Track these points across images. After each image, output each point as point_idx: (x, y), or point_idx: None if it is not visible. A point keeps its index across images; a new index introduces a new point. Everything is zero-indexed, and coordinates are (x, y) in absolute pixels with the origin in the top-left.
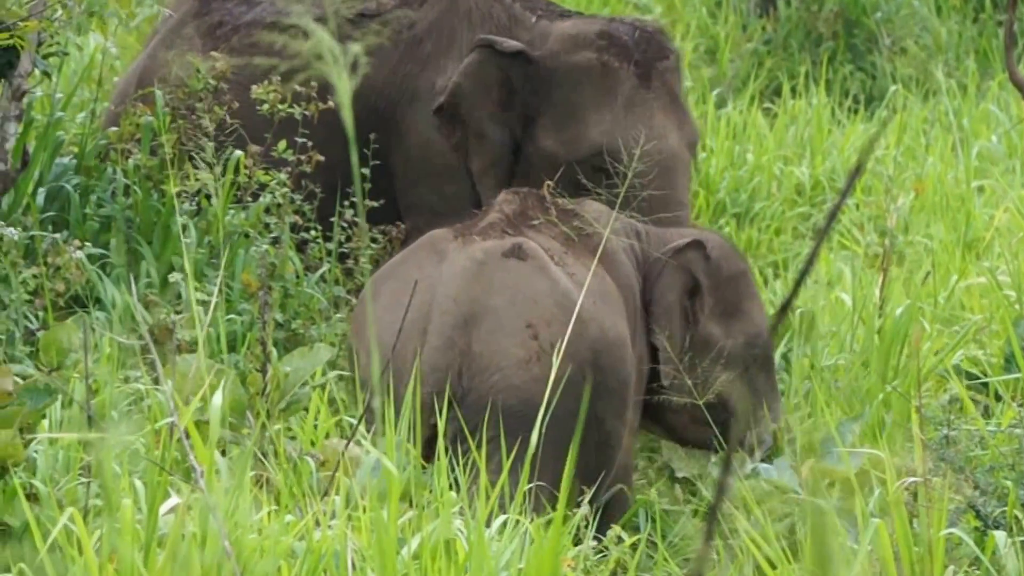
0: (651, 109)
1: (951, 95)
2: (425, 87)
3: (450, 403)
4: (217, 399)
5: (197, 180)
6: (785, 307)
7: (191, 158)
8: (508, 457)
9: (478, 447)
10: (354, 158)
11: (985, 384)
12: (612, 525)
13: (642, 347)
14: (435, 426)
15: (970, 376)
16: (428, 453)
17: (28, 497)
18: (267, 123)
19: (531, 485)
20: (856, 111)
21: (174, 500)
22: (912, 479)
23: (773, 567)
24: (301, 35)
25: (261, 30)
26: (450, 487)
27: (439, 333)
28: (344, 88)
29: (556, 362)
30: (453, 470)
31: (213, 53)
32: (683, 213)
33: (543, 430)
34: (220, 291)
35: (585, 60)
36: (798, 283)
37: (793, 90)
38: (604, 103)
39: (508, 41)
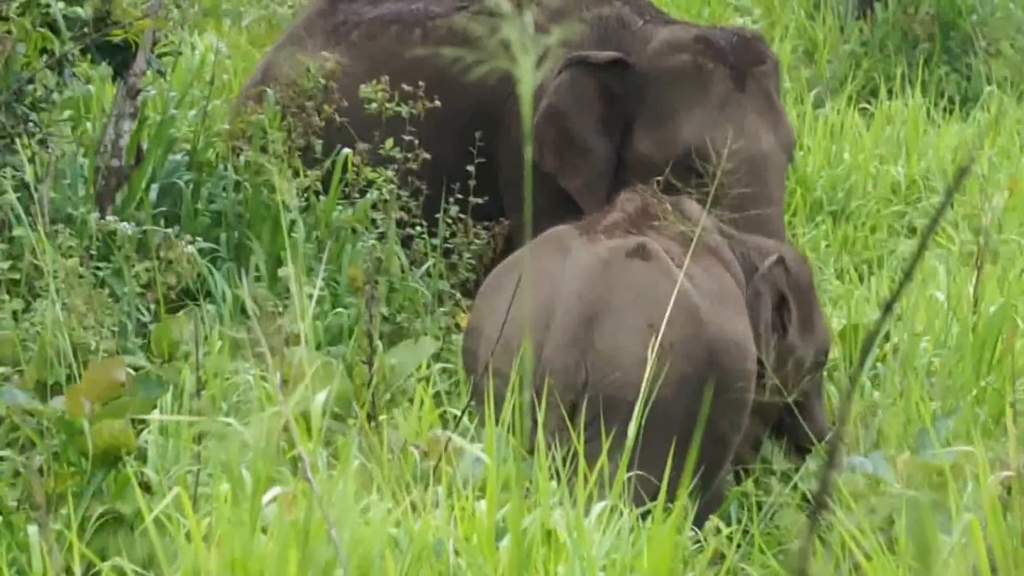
0: (744, 111)
1: None
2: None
3: (572, 396)
4: (322, 393)
5: (306, 177)
6: (889, 307)
7: (301, 155)
8: (622, 451)
9: (596, 441)
10: (528, 154)
11: None
12: (710, 516)
13: None
14: (561, 417)
15: None
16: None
17: (139, 486)
18: (377, 121)
19: (631, 474)
20: (951, 112)
21: (276, 489)
22: (1006, 473)
23: (869, 559)
24: (453, 36)
25: (384, 26)
26: (550, 478)
27: (563, 329)
28: (527, 81)
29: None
30: (555, 461)
31: (324, 52)
32: (773, 212)
33: (659, 427)
34: (327, 285)
35: (680, 63)
36: (901, 285)
37: (889, 91)
38: (697, 103)
39: (599, 52)
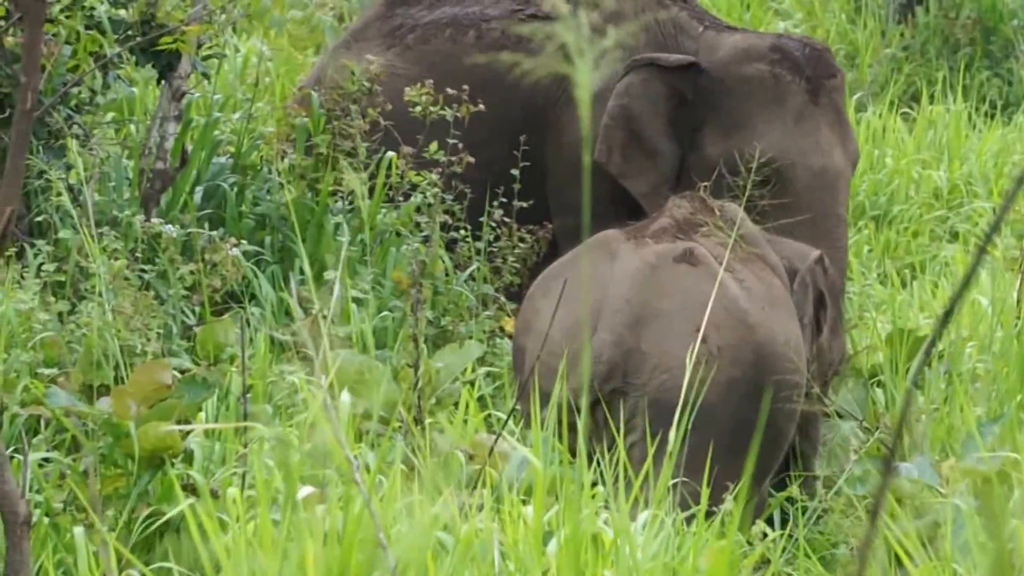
0: (819, 124)
1: None
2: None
3: (615, 397)
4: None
5: (350, 180)
6: (947, 317)
7: (346, 157)
8: (668, 453)
9: (641, 443)
10: (587, 159)
11: None
12: (756, 520)
13: None
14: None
15: None
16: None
17: (185, 488)
18: (421, 124)
19: (676, 481)
20: (993, 116)
21: (307, 489)
22: None
23: (916, 565)
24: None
25: (439, 29)
26: (595, 483)
27: (610, 330)
28: (585, 84)
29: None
30: (599, 464)
31: (368, 56)
32: (842, 228)
33: (705, 431)
34: (372, 288)
35: (757, 72)
36: (957, 296)
37: (931, 96)
38: (774, 115)
39: (672, 56)
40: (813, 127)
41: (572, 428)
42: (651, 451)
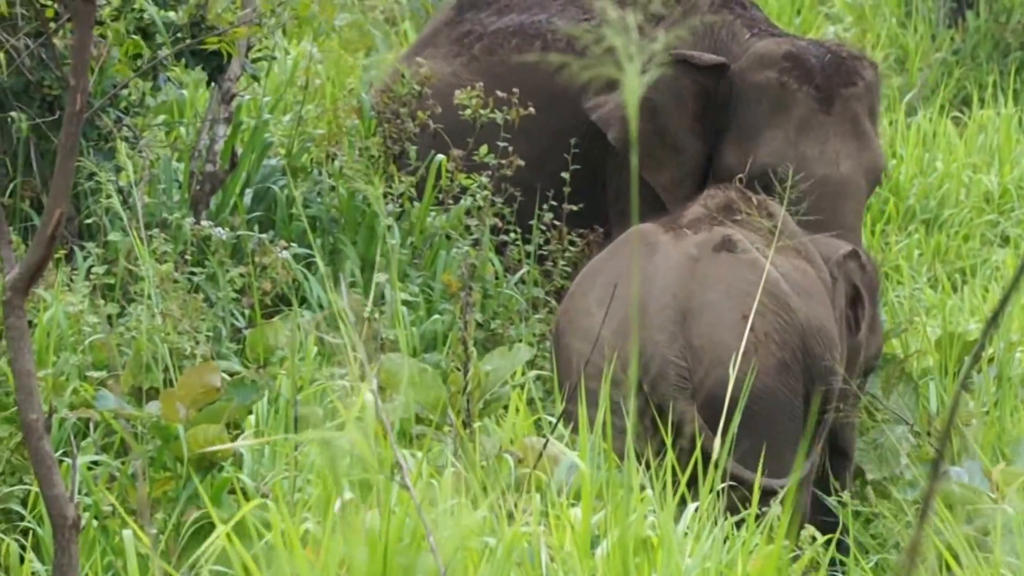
0: (827, 134)
1: None
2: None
3: (671, 396)
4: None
5: (401, 183)
6: (994, 319)
7: (395, 160)
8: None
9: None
10: (634, 161)
11: None
12: (805, 524)
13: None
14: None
15: None
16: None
17: (234, 492)
18: (488, 130)
19: (725, 485)
20: None
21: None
22: None
23: (964, 570)
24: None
25: (506, 38)
26: (643, 488)
27: (661, 328)
28: (632, 87)
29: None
30: (648, 467)
31: (419, 60)
32: (850, 237)
33: (765, 417)
34: (421, 291)
35: (765, 79)
36: (1005, 299)
37: (981, 100)
38: (777, 123)
39: (704, 55)
40: (819, 136)
41: (623, 431)
42: (719, 446)
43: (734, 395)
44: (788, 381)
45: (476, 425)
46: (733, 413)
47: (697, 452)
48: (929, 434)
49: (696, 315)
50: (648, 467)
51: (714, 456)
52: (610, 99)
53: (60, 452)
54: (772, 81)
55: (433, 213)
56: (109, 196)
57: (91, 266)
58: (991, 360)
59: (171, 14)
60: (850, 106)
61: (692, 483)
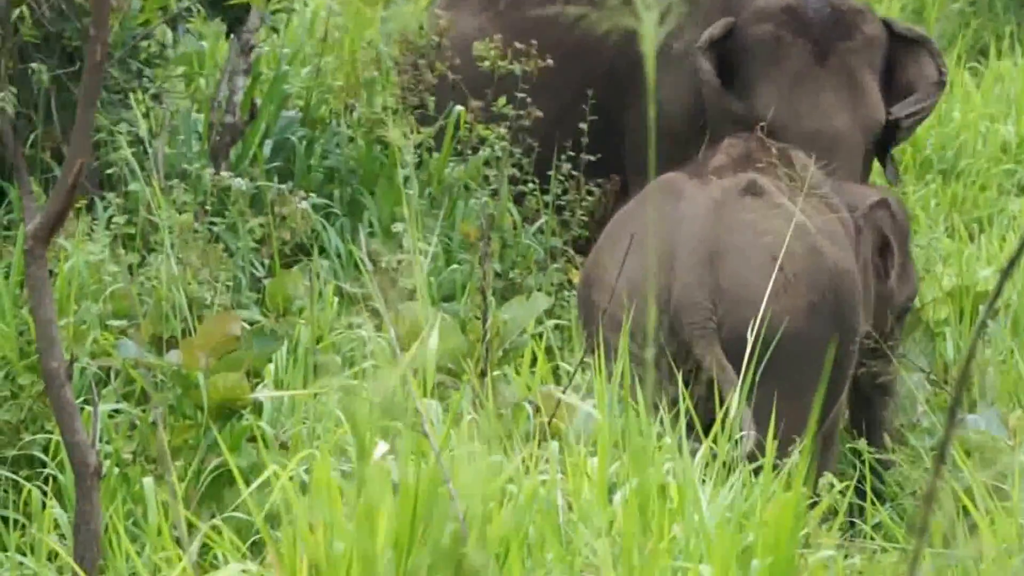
0: (821, 87)
1: None
2: (664, 50)
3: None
4: (433, 342)
5: (419, 133)
6: (1008, 270)
7: (414, 112)
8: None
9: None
10: (652, 112)
11: None
12: (824, 472)
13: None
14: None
15: None
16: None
17: (253, 439)
18: (507, 81)
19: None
20: None
21: (382, 446)
22: None
23: (984, 516)
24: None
25: None
26: (661, 435)
27: (690, 270)
28: (650, 36)
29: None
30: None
31: (437, 11)
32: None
33: (797, 358)
34: (440, 241)
35: (763, 32)
36: (1020, 248)
37: (999, 50)
38: (772, 77)
39: (716, 25)
40: (813, 89)
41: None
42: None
43: (763, 337)
44: (817, 324)
45: (494, 374)
46: (758, 354)
47: (716, 396)
48: (946, 382)
49: (724, 258)
50: (670, 413)
51: (731, 403)
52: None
53: (81, 400)
54: (768, 34)
55: (452, 164)
56: (119, 148)
57: (111, 216)
58: (1008, 308)
59: None
60: (846, 60)
61: (712, 429)
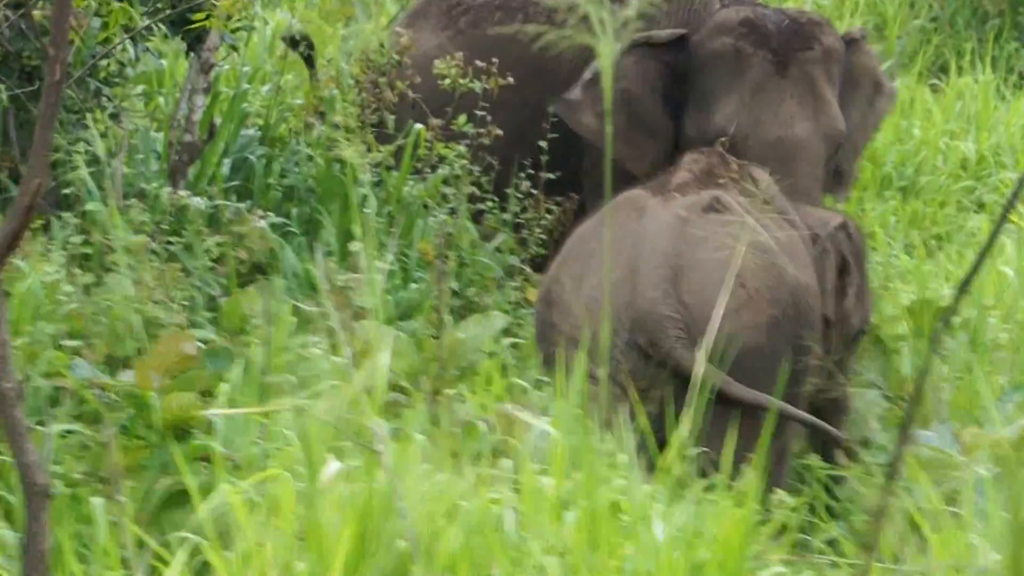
0: (781, 96)
1: None
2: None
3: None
4: (385, 360)
5: (378, 152)
6: (964, 285)
7: (374, 130)
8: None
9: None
10: (608, 128)
11: None
12: (776, 488)
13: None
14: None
15: None
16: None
17: (206, 460)
18: (468, 100)
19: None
20: (1021, 87)
21: (335, 465)
22: None
23: (936, 532)
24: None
25: (490, 11)
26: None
27: (655, 286)
28: (606, 54)
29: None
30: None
31: (398, 29)
32: (810, 199)
33: (758, 373)
34: (398, 260)
35: (723, 45)
36: (977, 264)
37: (959, 67)
38: (733, 88)
39: (662, 32)
40: (774, 99)
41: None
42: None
43: (724, 351)
44: (776, 340)
45: (449, 392)
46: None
47: (669, 414)
48: (901, 398)
49: (687, 274)
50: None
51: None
52: (576, 101)
53: (34, 421)
54: (728, 47)
55: (410, 182)
56: (76, 168)
57: (68, 236)
58: (967, 324)
59: None
60: (807, 70)
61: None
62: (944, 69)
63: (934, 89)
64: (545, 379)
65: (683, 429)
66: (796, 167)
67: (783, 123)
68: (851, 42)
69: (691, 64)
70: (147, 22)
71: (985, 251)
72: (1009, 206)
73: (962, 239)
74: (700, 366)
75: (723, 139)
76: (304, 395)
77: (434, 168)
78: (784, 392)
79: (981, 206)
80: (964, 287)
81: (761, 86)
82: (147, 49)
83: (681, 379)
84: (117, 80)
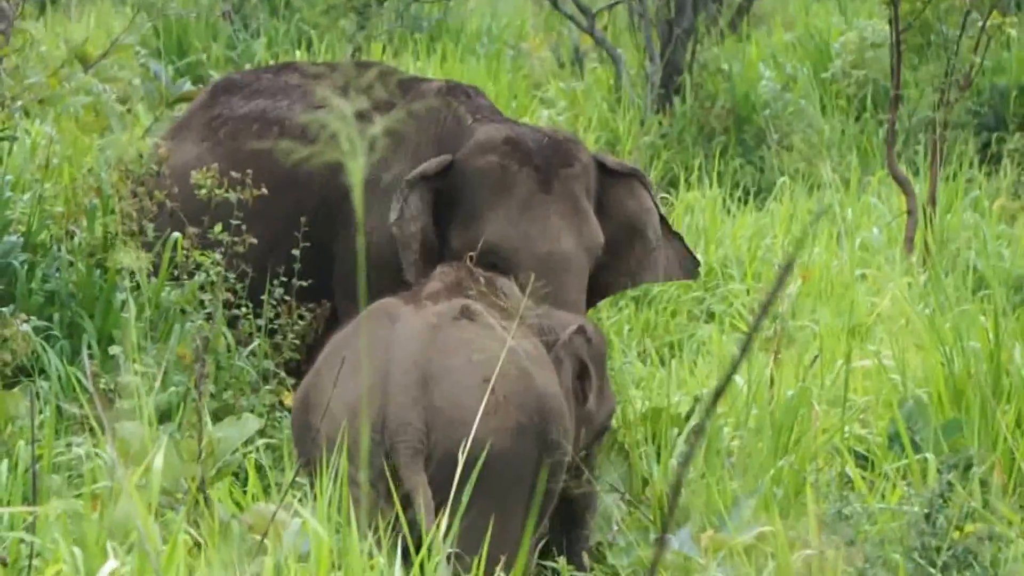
0: (548, 212)
1: (835, 188)
2: (373, 182)
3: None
4: (158, 462)
5: (137, 259)
6: (715, 400)
7: (131, 237)
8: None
9: (452, 499)
10: (360, 241)
11: (867, 460)
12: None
13: None
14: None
15: (855, 454)
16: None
17: None
18: (224, 209)
19: (453, 552)
20: (746, 202)
21: (112, 563)
22: (807, 551)
23: None
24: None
25: (248, 124)
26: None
27: (404, 391)
28: (356, 170)
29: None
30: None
31: (159, 140)
32: (573, 311)
33: (505, 478)
34: (157, 363)
35: (488, 163)
36: (726, 381)
37: (688, 181)
38: (500, 204)
39: (432, 162)
40: (541, 214)
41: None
42: (438, 523)
43: (476, 454)
44: (524, 445)
45: (209, 491)
46: (469, 474)
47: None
48: (641, 502)
49: (438, 380)
50: (384, 534)
51: (432, 533)
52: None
53: None
54: (494, 165)
55: (169, 288)
56: None
57: None
58: (700, 432)
59: None
60: (569, 185)
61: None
62: (674, 183)
63: (665, 203)
64: (302, 481)
65: (439, 532)
66: (564, 279)
67: (551, 238)
68: (629, 173)
69: (456, 182)
70: None
71: (735, 368)
72: (756, 327)
73: (693, 347)
74: (419, 483)
75: (471, 253)
76: (72, 495)
77: (191, 275)
78: (532, 496)
79: (711, 316)
80: (715, 402)
81: (528, 202)
82: None
83: (435, 484)
84: None
